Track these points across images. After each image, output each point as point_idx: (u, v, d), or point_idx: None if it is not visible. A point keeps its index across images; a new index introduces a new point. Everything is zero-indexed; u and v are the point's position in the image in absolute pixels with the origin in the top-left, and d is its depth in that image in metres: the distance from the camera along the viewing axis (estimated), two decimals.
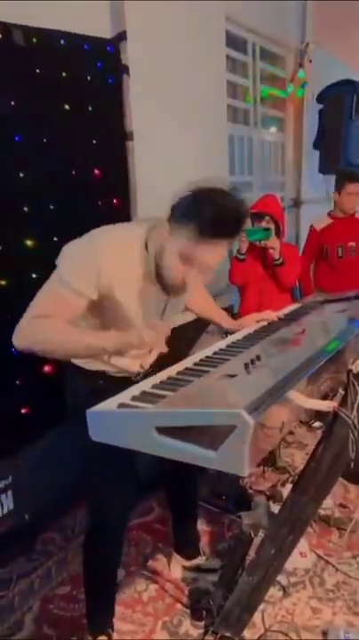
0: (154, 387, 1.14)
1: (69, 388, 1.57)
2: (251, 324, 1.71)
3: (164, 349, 1.30)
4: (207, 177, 1.29)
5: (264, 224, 2.60)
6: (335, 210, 3.30)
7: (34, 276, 2.05)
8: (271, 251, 2.59)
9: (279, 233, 2.63)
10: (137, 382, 1.19)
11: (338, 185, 3.20)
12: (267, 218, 2.61)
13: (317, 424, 3.04)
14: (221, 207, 1.24)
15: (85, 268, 1.31)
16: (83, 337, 1.35)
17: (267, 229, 2.55)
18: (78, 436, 1.17)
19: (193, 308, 1.81)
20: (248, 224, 2.63)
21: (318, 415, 3.02)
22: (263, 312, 1.75)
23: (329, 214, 3.33)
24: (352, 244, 3.21)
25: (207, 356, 1.33)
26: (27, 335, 1.31)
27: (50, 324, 1.31)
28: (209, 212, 1.23)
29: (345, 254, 3.23)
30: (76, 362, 1.50)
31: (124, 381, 1.29)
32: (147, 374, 1.33)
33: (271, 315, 1.73)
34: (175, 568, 2.03)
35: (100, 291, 1.33)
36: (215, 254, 1.30)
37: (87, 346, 1.33)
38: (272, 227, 2.59)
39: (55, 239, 2.07)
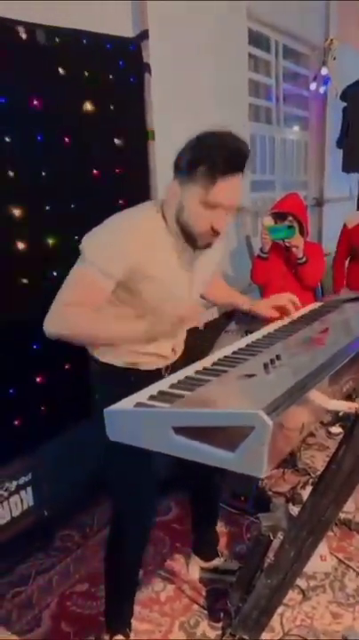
0: (171, 386, 1.13)
1: (98, 385, 1.57)
2: (267, 308, 1.69)
3: (200, 323, 1.31)
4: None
5: (286, 223, 2.58)
6: None
7: (55, 274, 2.06)
8: (294, 249, 2.56)
9: (302, 232, 2.60)
10: (165, 377, 1.20)
11: None
12: (289, 217, 2.58)
13: (335, 429, 2.98)
14: (225, 142, 1.28)
15: (111, 249, 1.33)
16: (116, 327, 1.38)
17: (291, 227, 2.53)
18: (98, 435, 1.16)
19: (210, 296, 1.80)
20: (270, 221, 2.61)
21: (338, 420, 2.98)
22: (281, 294, 1.71)
23: None
24: None
25: (226, 356, 1.31)
26: (59, 322, 1.34)
27: (81, 313, 1.34)
28: (216, 150, 1.26)
29: None
30: (106, 359, 1.50)
31: (154, 376, 1.29)
32: (175, 368, 1.35)
33: (288, 297, 1.68)
34: (193, 569, 2.02)
35: (128, 270, 1.34)
36: (234, 190, 1.31)
37: (119, 336, 1.38)
38: (295, 225, 2.57)
39: (76, 238, 2.06)
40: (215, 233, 1.35)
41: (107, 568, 1.67)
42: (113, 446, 1.08)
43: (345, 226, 3.28)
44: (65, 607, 1.91)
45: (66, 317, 1.34)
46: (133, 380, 1.39)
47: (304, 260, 2.57)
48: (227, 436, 0.86)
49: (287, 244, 2.58)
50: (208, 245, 1.40)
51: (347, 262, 3.30)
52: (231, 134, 1.30)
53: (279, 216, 2.62)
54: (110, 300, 1.40)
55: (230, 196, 1.31)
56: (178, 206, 1.34)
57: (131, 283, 1.37)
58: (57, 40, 2.06)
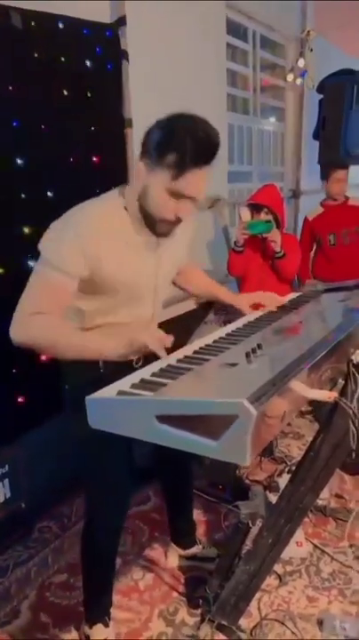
0: (153, 375, 1.12)
1: (68, 377, 1.55)
2: (246, 304, 1.69)
3: (164, 355, 1.25)
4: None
5: (263, 215, 2.58)
6: (326, 198, 3.33)
7: (30, 263, 2.03)
8: (272, 243, 2.57)
9: (279, 224, 2.61)
10: (137, 369, 1.18)
11: (324, 173, 3.28)
12: (265, 210, 2.59)
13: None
14: (198, 132, 1.23)
15: (69, 246, 1.29)
16: (84, 342, 1.34)
17: (268, 222, 2.54)
18: (77, 425, 1.15)
19: (189, 287, 1.79)
20: (247, 215, 2.62)
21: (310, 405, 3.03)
22: (262, 292, 1.72)
23: (321, 204, 3.37)
24: (344, 231, 3.23)
25: (207, 344, 1.31)
26: (24, 331, 1.30)
27: (48, 323, 1.29)
28: (187, 139, 1.21)
29: (337, 242, 3.26)
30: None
31: (125, 369, 1.27)
32: (147, 360, 1.31)
33: (269, 296, 1.70)
34: (172, 557, 2.03)
35: (90, 266, 1.31)
36: (202, 182, 1.28)
37: (87, 350, 1.31)
38: (271, 218, 2.58)
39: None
40: (177, 221, 1.33)
41: (84, 558, 1.67)
42: (88, 435, 1.07)
43: (306, 219, 3.39)
44: (44, 598, 1.90)
45: (29, 327, 1.29)
46: (103, 370, 1.38)
47: (282, 253, 2.59)
48: (210, 424, 0.86)
49: (264, 237, 2.59)
50: (167, 233, 1.38)
51: (311, 254, 3.42)
52: (205, 122, 1.26)
53: (255, 207, 2.62)
54: (79, 297, 1.37)
55: (197, 188, 1.28)
56: (142, 189, 1.31)
57: (94, 276, 1.34)
58: (33, 24, 2.01)
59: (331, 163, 3.32)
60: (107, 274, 1.35)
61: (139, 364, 1.42)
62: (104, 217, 1.34)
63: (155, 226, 1.35)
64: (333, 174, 3.22)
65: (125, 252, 1.37)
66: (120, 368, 1.22)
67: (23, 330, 1.30)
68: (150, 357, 1.27)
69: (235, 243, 2.69)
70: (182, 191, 1.26)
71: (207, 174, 1.28)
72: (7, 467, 2.10)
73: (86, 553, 1.66)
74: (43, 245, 1.32)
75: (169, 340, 1.24)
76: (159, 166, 1.25)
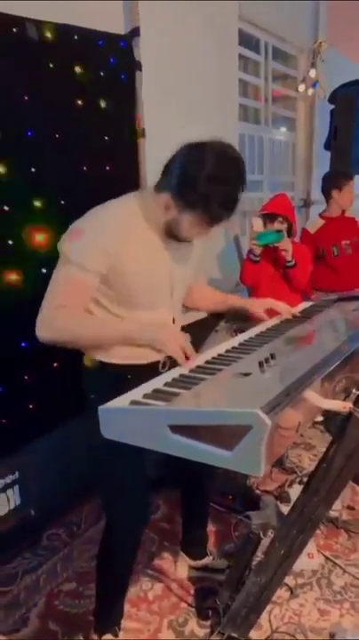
0: (166, 384, 1.12)
1: (92, 383, 1.54)
2: (261, 308, 1.68)
3: (182, 363, 1.29)
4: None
5: (277, 225, 2.59)
6: (328, 210, 3.36)
7: (44, 271, 2.04)
8: (283, 253, 2.56)
9: (291, 233, 2.62)
10: (162, 373, 1.22)
11: (337, 183, 3.26)
12: (280, 219, 2.59)
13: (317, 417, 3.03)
14: (226, 193, 1.27)
15: (91, 244, 1.33)
16: (108, 328, 1.41)
17: (279, 231, 2.53)
18: (91, 434, 1.16)
19: (198, 303, 1.79)
20: (260, 225, 2.62)
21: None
22: (280, 303, 1.72)
23: (321, 216, 3.38)
24: (346, 242, 3.27)
25: (219, 354, 1.32)
26: (50, 326, 1.35)
27: (71, 316, 1.35)
28: (216, 203, 1.27)
29: (340, 253, 3.26)
30: (101, 356, 1.48)
31: (151, 372, 1.29)
32: (173, 364, 1.35)
33: (284, 306, 1.71)
34: (181, 567, 2.02)
35: (110, 264, 1.34)
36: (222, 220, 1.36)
37: (111, 336, 1.40)
38: (285, 227, 2.58)
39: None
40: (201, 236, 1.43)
41: (100, 568, 1.65)
42: (104, 446, 1.08)
43: (306, 232, 3.40)
44: (52, 606, 1.89)
45: (56, 322, 1.34)
46: (130, 377, 1.39)
47: (293, 263, 2.58)
48: (224, 434, 0.86)
49: (276, 247, 2.58)
50: (190, 240, 1.45)
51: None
52: (230, 165, 1.29)
53: (269, 217, 2.63)
54: (97, 299, 1.40)
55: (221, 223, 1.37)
56: (171, 220, 1.36)
57: (112, 276, 1.37)
58: (48, 35, 2.04)
59: (343, 174, 3.32)
60: (127, 273, 1.37)
61: (166, 368, 1.43)
62: (125, 218, 1.38)
63: (179, 238, 1.41)
64: (348, 185, 3.23)
65: (144, 254, 1.40)
66: (147, 371, 1.26)
67: (48, 325, 1.34)
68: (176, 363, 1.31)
69: (252, 252, 2.68)
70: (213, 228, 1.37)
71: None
72: (17, 473, 2.10)
73: (104, 562, 1.64)
74: (65, 244, 1.36)
75: (191, 351, 1.29)
76: (190, 210, 1.31)
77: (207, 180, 1.24)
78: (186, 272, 1.57)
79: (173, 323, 1.54)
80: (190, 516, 1.99)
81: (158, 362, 1.48)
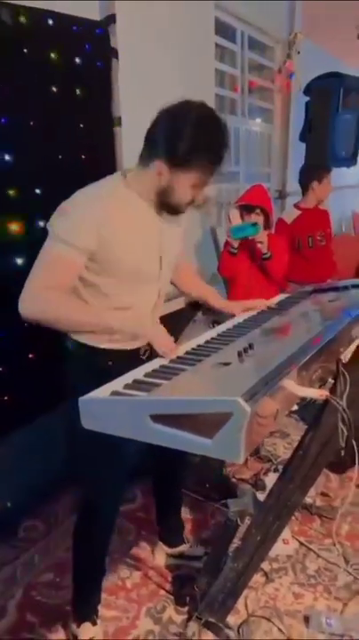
0: (146, 375, 1.13)
1: (73, 368, 1.54)
2: (240, 310, 1.71)
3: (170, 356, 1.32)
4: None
5: (254, 216, 2.60)
6: (304, 201, 3.40)
7: (19, 261, 2.01)
8: (259, 245, 2.58)
9: (269, 225, 2.63)
10: (144, 361, 1.25)
11: (318, 175, 3.30)
12: (257, 210, 2.60)
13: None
14: (214, 138, 1.31)
15: (81, 222, 1.33)
16: (91, 315, 1.40)
17: (254, 224, 2.54)
18: (77, 419, 1.15)
19: (182, 286, 1.81)
20: (237, 216, 2.62)
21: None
22: (254, 300, 1.74)
23: (296, 206, 3.41)
24: (320, 233, 3.32)
25: (199, 345, 1.33)
26: (34, 305, 1.34)
27: (56, 297, 1.34)
28: (216, 143, 1.31)
29: (314, 244, 3.30)
30: (83, 339, 1.48)
31: (133, 359, 1.30)
32: (154, 352, 1.36)
33: (261, 303, 1.73)
34: (159, 555, 2.04)
35: (97, 239, 1.34)
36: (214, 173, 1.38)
37: (93, 323, 1.39)
38: (261, 219, 2.59)
39: (41, 224, 2.03)
40: (193, 203, 1.43)
41: (76, 555, 1.67)
42: (83, 435, 1.07)
43: (284, 222, 3.43)
44: (30, 597, 1.89)
45: (40, 300, 1.33)
46: (111, 362, 1.39)
47: (269, 255, 2.60)
48: (204, 423, 0.87)
49: (252, 239, 2.60)
50: (183, 211, 1.46)
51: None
52: (217, 119, 1.33)
53: (246, 208, 2.64)
54: (84, 280, 1.40)
55: (212, 177, 1.38)
56: (163, 187, 1.36)
57: (102, 249, 1.36)
58: (22, 19, 1.99)
59: (324, 166, 3.35)
60: (115, 253, 1.38)
61: (146, 354, 1.45)
62: (114, 198, 1.38)
63: (173, 209, 1.42)
64: (327, 178, 3.28)
65: (133, 234, 1.40)
66: (128, 357, 1.29)
67: (33, 304, 1.33)
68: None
69: (229, 244, 2.69)
70: (206, 183, 1.37)
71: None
72: None
73: (78, 550, 1.65)
74: (54, 222, 1.36)
75: (175, 351, 1.31)
76: (187, 168, 1.31)
77: (194, 129, 1.28)
78: (175, 245, 1.58)
79: (155, 305, 1.55)
80: (163, 505, 2.01)
81: (139, 348, 1.49)
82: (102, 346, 1.46)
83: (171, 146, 1.30)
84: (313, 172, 3.34)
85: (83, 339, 1.47)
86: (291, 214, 3.43)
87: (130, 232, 1.39)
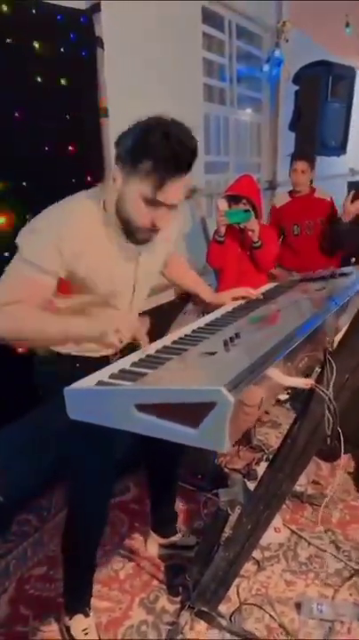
0: (133, 365, 1.13)
1: (42, 372, 1.54)
2: (228, 299, 1.71)
3: (146, 342, 1.26)
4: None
5: (241, 206, 2.59)
6: (293, 189, 3.38)
7: (6, 254, 2.00)
8: (250, 233, 2.58)
9: (257, 215, 2.63)
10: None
11: (291, 163, 3.30)
12: (244, 201, 2.60)
13: (283, 396, 3.08)
14: (173, 140, 1.19)
15: (48, 245, 1.28)
16: (56, 323, 1.32)
17: (247, 211, 2.54)
18: (54, 420, 1.15)
19: (174, 278, 1.81)
20: (225, 207, 2.62)
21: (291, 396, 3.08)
22: (242, 288, 1.74)
23: (289, 193, 3.41)
24: (308, 222, 3.29)
25: (186, 334, 1.32)
26: None
27: (20, 311, 1.27)
28: (162, 149, 1.18)
29: (301, 232, 3.30)
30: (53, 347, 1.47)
31: (101, 364, 1.27)
32: (124, 355, 1.30)
33: (250, 291, 1.73)
34: (151, 546, 2.04)
35: (67, 266, 1.30)
36: (179, 190, 1.27)
37: (59, 331, 1.31)
38: (250, 208, 2.59)
39: (28, 216, 2.01)
40: (156, 230, 1.32)
41: (66, 548, 1.65)
42: (71, 427, 1.07)
43: (274, 207, 3.44)
44: (23, 591, 1.89)
45: (4, 317, 1.27)
46: (79, 366, 1.38)
47: (259, 244, 2.60)
48: (189, 412, 0.87)
49: (243, 227, 2.60)
50: (147, 241, 1.37)
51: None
52: (181, 127, 1.23)
53: (233, 199, 2.63)
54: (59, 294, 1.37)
55: (174, 196, 1.26)
56: (119, 195, 1.30)
57: (70, 277, 1.33)
58: (4, 8, 1.96)
59: (295, 154, 3.33)
60: (83, 275, 1.34)
61: (116, 358, 1.41)
62: (84, 218, 1.33)
63: (134, 235, 1.34)
64: (293, 165, 3.25)
65: (103, 256, 1.36)
66: (97, 365, 1.21)
67: None
68: (126, 353, 1.27)
69: (216, 232, 2.68)
70: (160, 200, 1.25)
71: (183, 182, 1.26)
72: None
73: (69, 542, 1.64)
74: (22, 241, 1.31)
75: (143, 338, 1.25)
76: (134, 174, 1.24)
77: (149, 132, 1.20)
78: (153, 272, 1.55)
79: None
80: (158, 496, 2.01)
81: (108, 356, 1.48)
82: (68, 352, 1.44)
83: (122, 146, 1.26)
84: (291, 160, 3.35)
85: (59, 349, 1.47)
86: (280, 199, 3.43)
87: (95, 261, 1.34)
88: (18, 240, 1.31)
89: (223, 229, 2.63)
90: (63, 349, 1.47)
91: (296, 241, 3.33)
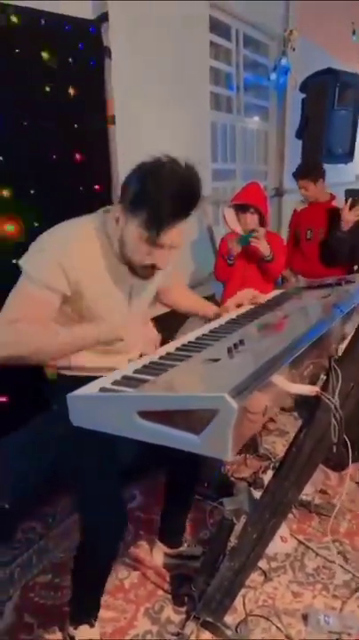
0: (136, 371, 1.12)
1: (58, 397, 1.52)
2: (232, 307, 1.70)
3: (153, 352, 1.27)
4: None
5: (249, 216, 2.61)
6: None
7: (13, 261, 2.00)
8: (261, 250, 2.59)
9: (264, 223, 2.63)
10: None
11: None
12: (251, 210, 2.61)
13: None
14: (174, 188, 1.20)
15: (52, 268, 1.30)
16: (61, 335, 1.33)
17: (252, 231, 2.59)
18: (59, 426, 1.14)
19: (175, 304, 1.82)
20: (232, 216, 2.63)
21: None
22: (242, 291, 1.73)
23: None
24: (321, 229, 3.29)
25: (190, 341, 1.32)
26: (4, 338, 1.28)
27: (28, 327, 1.29)
28: (163, 198, 1.20)
29: (313, 238, 3.30)
30: (66, 371, 1.48)
31: None
32: None
33: (249, 293, 1.72)
34: (157, 555, 2.02)
35: (71, 284, 1.33)
36: (178, 233, 1.28)
37: (67, 342, 1.32)
38: (256, 218, 2.60)
39: (36, 224, 2.03)
40: (156, 269, 1.35)
41: (77, 569, 1.58)
42: (74, 439, 1.06)
43: (295, 210, 3.48)
44: (28, 599, 1.88)
45: (10, 333, 1.28)
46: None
47: (270, 257, 2.62)
48: (192, 419, 0.86)
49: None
50: (149, 277, 1.40)
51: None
52: (180, 174, 1.23)
53: (241, 207, 2.64)
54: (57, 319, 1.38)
55: (174, 239, 1.29)
56: (120, 236, 1.33)
57: (73, 298, 1.36)
58: (14, 19, 1.99)
59: (298, 171, 3.32)
60: (86, 299, 1.37)
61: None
62: (84, 243, 1.35)
63: (135, 270, 1.37)
64: (298, 182, 3.27)
65: (98, 285, 1.39)
66: None
67: (2, 338, 1.28)
68: None
69: (227, 254, 2.69)
70: (158, 243, 1.27)
71: (184, 226, 1.28)
72: None
73: (80, 564, 1.57)
74: (26, 262, 1.33)
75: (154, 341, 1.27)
76: (135, 217, 1.26)
77: (147, 176, 1.22)
78: (144, 304, 1.58)
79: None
80: (173, 507, 1.96)
81: None
82: (85, 373, 1.42)
83: (124, 189, 1.29)
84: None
85: (66, 372, 1.48)
86: (301, 204, 3.44)
87: (93, 284, 1.37)
88: (22, 262, 1.33)
89: (235, 252, 2.65)
90: (77, 372, 1.46)
91: (307, 246, 3.33)
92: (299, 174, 3.26)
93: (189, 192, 1.23)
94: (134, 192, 1.25)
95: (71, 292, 1.34)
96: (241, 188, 2.79)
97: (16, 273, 1.36)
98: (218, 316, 1.71)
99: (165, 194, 1.20)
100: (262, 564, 1.94)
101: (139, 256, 1.32)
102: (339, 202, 3.17)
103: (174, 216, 1.24)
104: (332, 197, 3.31)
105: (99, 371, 1.36)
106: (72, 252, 1.32)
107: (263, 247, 2.58)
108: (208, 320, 1.68)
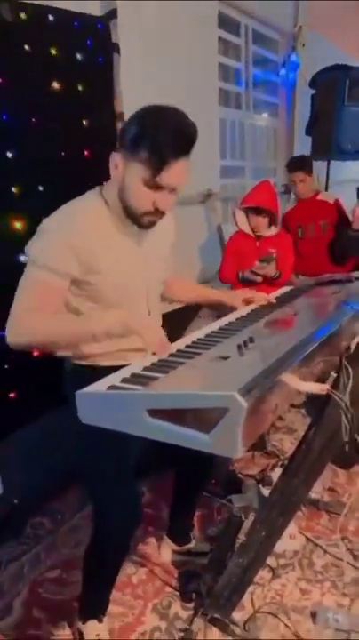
0: (145, 369, 1.12)
1: (71, 384, 1.51)
2: (239, 301, 1.69)
3: (165, 352, 1.24)
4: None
5: (260, 219, 2.61)
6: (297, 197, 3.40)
7: (22, 258, 2.01)
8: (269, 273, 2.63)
9: (275, 222, 2.63)
10: None
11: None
12: (263, 214, 2.60)
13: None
14: (171, 124, 1.23)
15: (57, 246, 1.30)
16: (81, 324, 1.34)
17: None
18: (70, 423, 1.14)
19: (181, 296, 1.80)
20: (243, 218, 2.63)
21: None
22: (255, 293, 1.72)
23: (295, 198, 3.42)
24: (311, 224, 3.28)
25: (199, 339, 1.31)
26: (19, 332, 1.31)
27: (39, 318, 1.31)
28: (160, 132, 1.21)
29: (304, 235, 3.28)
30: (89, 361, 1.47)
31: None
32: None
33: (261, 296, 1.71)
34: (165, 551, 2.03)
35: (79, 264, 1.32)
36: (180, 173, 1.28)
37: (87, 331, 1.31)
38: (266, 221, 2.62)
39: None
40: (159, 213, 1.34)
41: (87, 565, 1.59)
42: (86, 437, 1.05)
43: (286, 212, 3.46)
44: (36, 594, 1.89)
45: (24, 325, 1.30)
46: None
47: (278, 274, 2.63)
48: (201, 417, 0.86)
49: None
50: (152, 224, 1.38)
51: None
52: (178, 114, 1.26)
53: (253, 210, 2.63)
54: (69, 303, 1.39)
55: (175, 179, 1.28)
56: (120, 183, 1.32)
57: (83, 276, 1.35)
58: (23, 16, 1.99)
59: (291, 164, 3.32)
60: (97, 272, 1.35)
61: None
62: (87, 215, 1.35)
63: (138, 220, 1.36)
64: (290, 176, 3.26)
65: (113, 250, 1.37)
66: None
67: (16, 330, 1.31)
68: None
69: (244, 278, 2.71)
70: (160, 183, 1.27)
71: (184, 165, 1.28)
72: None
73: (91, 559, 1.57)
74: (31, 247, 1.33)
75: (167, 347, 1.25)
76: (135, 159, 1.26)
77: (146, 118, 1.25)
78: (160, 268, 1.55)
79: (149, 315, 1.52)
80: (182, 505, 1.96)
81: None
82: (103, 363, 1.43)
83: (122, 133, 1.29)
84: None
85: (82, 361, 1.47)
86: (291, 203, 3.46)
87: (109, 252, 1.36)
88: (27, 248, 1.34)
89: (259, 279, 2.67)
90: (103, 361, 1.45)
91: (300, 244, 3.31)
92: (294, 166, 3.26)
93: (187, 127, 1.25)
94: (133, 132, 1.25)
95: (82, 273, 1.33)
96: (252, 188, 2.78)
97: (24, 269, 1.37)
98: (222, 300, 1.72)
99: (165, 129, 1.22)
100: (270, 561, 1.94)
101: (141, 200, 1.30)
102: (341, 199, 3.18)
103: (174, 151, 1.23)
104: (316, 193, 3.31)
105: (112, 357, 1.40)
106: (78, 225, 1.32)
107: (271, 270, 2.59)
108: (216, 316, 1.67)
